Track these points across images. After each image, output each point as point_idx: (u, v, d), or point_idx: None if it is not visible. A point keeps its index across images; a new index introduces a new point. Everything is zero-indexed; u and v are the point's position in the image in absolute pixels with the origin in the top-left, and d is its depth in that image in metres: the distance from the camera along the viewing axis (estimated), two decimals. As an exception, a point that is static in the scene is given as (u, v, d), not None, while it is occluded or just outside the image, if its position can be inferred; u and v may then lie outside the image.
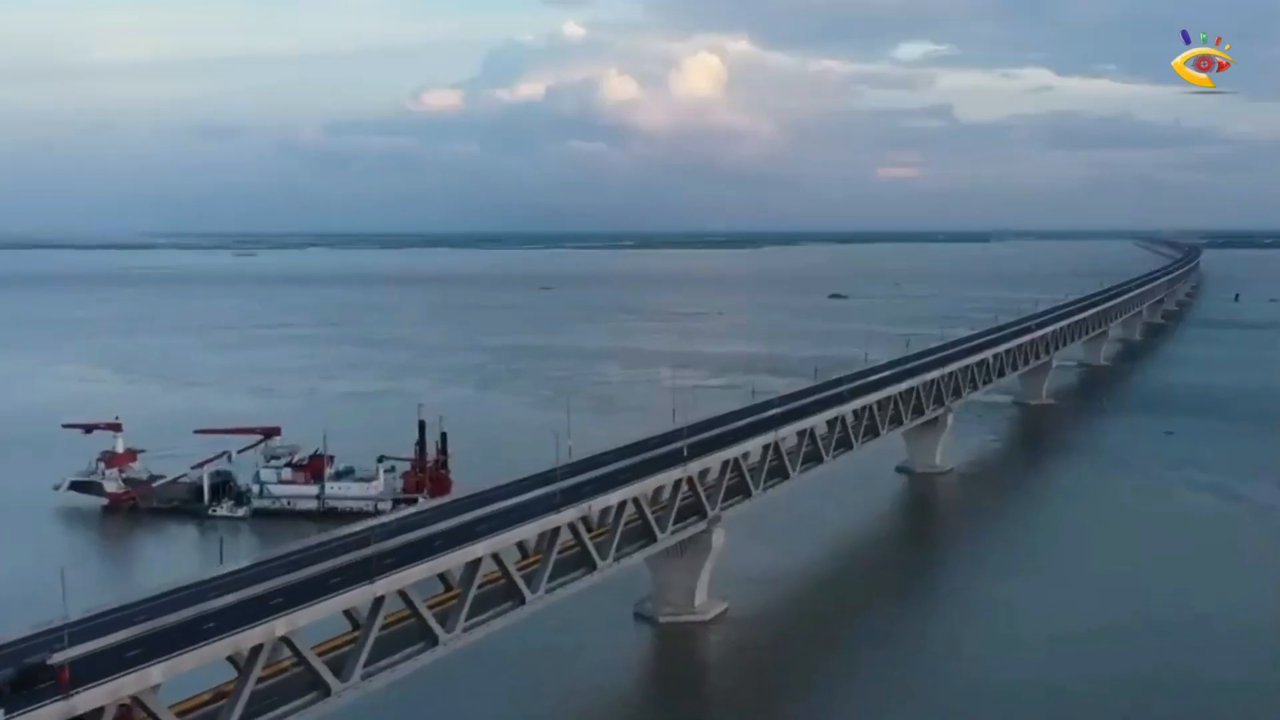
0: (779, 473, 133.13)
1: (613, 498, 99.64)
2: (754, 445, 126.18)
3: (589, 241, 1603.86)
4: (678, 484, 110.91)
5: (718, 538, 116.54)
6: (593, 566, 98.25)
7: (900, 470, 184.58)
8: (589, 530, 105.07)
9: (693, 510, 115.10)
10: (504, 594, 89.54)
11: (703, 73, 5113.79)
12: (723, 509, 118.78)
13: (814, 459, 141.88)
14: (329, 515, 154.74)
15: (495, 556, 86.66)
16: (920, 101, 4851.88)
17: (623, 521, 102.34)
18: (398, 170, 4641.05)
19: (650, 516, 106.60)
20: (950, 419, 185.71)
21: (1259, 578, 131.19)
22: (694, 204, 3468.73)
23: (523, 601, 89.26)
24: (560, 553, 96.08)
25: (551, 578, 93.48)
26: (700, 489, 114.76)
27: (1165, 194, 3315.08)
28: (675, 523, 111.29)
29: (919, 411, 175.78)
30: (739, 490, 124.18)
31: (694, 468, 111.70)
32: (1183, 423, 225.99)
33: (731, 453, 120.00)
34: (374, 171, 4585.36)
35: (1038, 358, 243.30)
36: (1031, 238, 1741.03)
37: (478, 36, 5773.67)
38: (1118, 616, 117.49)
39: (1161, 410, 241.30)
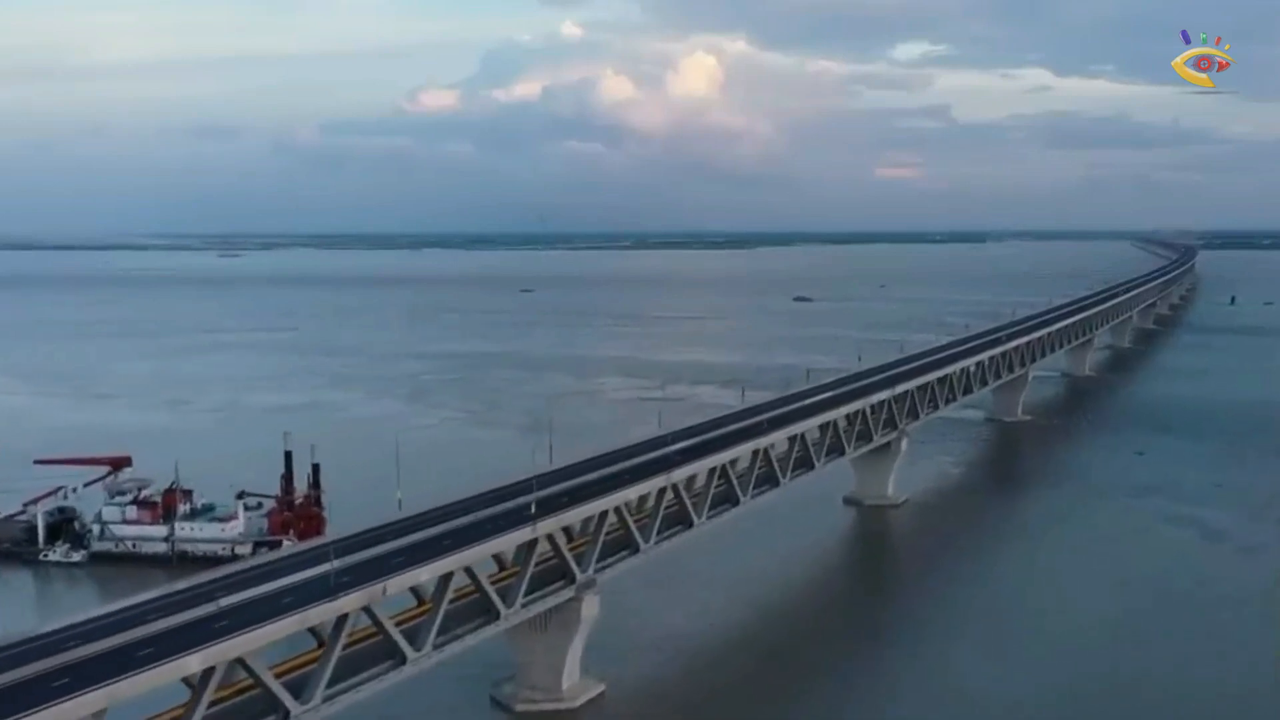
0: (681, 519, 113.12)
1: (422, 572, 79.35)
2: (641, 491, 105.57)
3: (585, 242, 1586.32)
4: (532, 544, 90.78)
5: (589, 607, 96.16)
6: (401, 660, 78.12)
7: (849, 502, 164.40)
8: (420, 603, 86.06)
9: (557, 574, 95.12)
10: (265, 704, 69.52)
11: (700, 73, 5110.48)
12: (599, 570, 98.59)
13: (729, 500, 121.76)
14: (181, 560, 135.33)
15: (241, 661, 66.75)
16: (918, 102, 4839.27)
17: (447, 597, 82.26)
18: (393, 170, 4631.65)
19: (489, 589, 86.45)
20: (904, 444, 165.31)
21: (1240, 641, 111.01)
22: (692, 204, 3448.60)
23: (286, 716, 69.13)
24: (354, 644, 76.26)
25: (339, 678, 73.47)
26: (564, 548, 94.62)
27: (1163, 194, 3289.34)
28: (530, 592, 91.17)
29: (866, 437, 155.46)
30: (624, 544, 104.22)
31: (549, 525, 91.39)
32: (1168, 442, 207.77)
33: (609, 502, 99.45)
34: (370, 172, 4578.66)
35: (1011, 371, 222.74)
36: (1029, 238, 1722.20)
37: (474, 36, 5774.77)
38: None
39: (1147, 427, 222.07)
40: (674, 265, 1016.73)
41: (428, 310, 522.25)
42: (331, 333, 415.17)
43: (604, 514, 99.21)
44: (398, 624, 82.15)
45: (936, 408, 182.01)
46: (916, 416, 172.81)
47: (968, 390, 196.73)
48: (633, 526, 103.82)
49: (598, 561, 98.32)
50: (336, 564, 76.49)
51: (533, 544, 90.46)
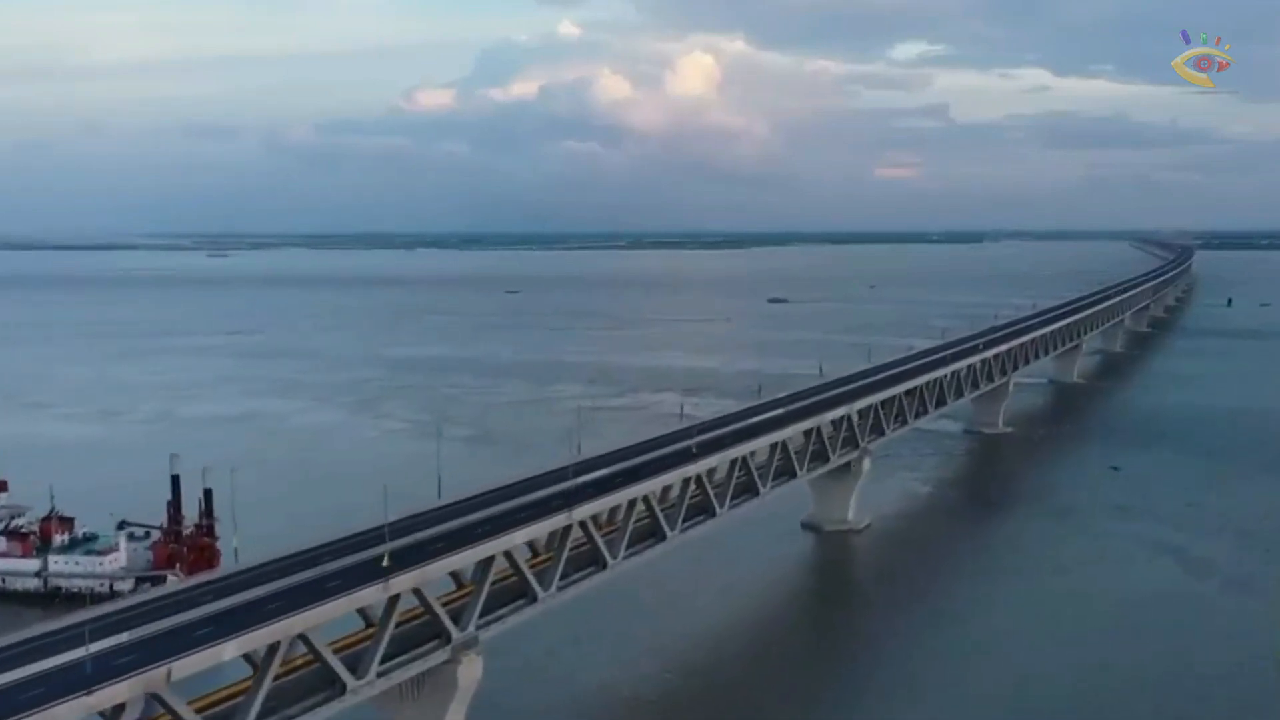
0: (593, 559, 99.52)
1: (227, 648, 65.49)
2: (532, 534, 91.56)
3: (581, 242, 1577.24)
4: (393, 601, 77.11)
5: (469, 669, 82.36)
6: (208, 751, 64.55)
7: (806, 527, 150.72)
8: (256, 669, 72.27)
9: (430, 632, 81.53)
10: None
11: (698, 73, 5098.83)
12: (483, 626, 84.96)
13: (653, 535, 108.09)
14: (54, 598, 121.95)
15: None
16: (916, 101, 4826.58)
17: (272, 671, 68.55)
18: (389, 170, 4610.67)
19: (330, 658, 72.73)
20: (867, 463, 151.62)
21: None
22: (690, 204, 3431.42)
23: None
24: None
25: (118, 780, 59.86)
26: (434, 603, 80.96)
27: (1162, 194, 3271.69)
28: (393, 656, 77.53)
29: (821, 458, 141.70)
30: (518, 592, 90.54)
31: (410, 580, 77.68)
32: (1155, 455, 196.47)
33: (493, 547, 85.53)
34: (366, 171, 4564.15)
35: (990, 380, 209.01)
36: (1028, 238, 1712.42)
37: (471, 36, 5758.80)
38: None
39: (1134, 438, 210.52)
40: (668, 266, 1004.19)
41: (407, 312, 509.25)
42: (298, 336, 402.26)
43: (489, 560, 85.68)
44: (223, 700, 69.17)
45: (904, 423, 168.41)
46: (881, 433, 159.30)
47: (940, 403, 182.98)
48: (527, 572, 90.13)
49: (482, 615, 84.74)
50: (127, 637, 63.26)
51: (393, 600, 76.88)
